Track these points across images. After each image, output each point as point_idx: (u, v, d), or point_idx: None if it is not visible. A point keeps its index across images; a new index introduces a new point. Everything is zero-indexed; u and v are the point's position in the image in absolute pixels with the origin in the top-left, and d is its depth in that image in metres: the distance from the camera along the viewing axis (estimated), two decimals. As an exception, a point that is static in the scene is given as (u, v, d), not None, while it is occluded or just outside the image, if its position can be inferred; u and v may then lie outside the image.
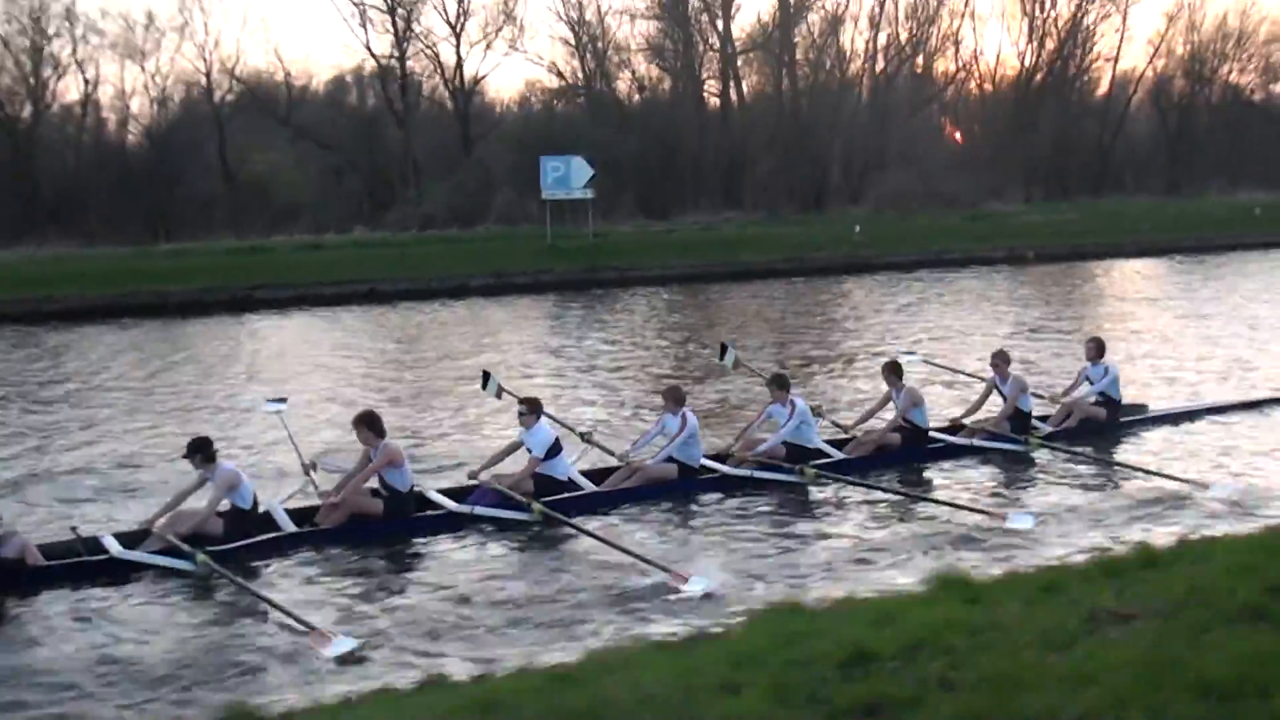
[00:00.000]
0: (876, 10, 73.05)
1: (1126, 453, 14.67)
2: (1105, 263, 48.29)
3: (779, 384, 14.20)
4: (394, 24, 66.01)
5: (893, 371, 14.83)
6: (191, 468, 11.64)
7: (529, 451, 12.72)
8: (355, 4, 65.53)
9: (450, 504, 12.26)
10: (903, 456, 14.34)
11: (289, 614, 9.39)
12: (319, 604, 10.12)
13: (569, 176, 47.71)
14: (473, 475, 12.79)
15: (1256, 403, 17.21)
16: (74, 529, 11.33)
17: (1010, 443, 14.63)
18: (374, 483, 12.21)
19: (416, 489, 12.38)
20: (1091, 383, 15.92)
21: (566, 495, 12.54)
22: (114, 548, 11.01)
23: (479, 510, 12.13)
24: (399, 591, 10.52)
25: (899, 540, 11.41)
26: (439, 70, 68.43)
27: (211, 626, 9.76)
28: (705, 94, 67.76)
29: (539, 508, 11.98)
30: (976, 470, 14.22)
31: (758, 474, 13.44)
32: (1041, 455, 14.45)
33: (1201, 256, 49.39)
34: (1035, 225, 56.87)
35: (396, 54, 66.43)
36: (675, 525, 12.35)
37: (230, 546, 11.11)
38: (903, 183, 62.49)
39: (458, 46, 67.74)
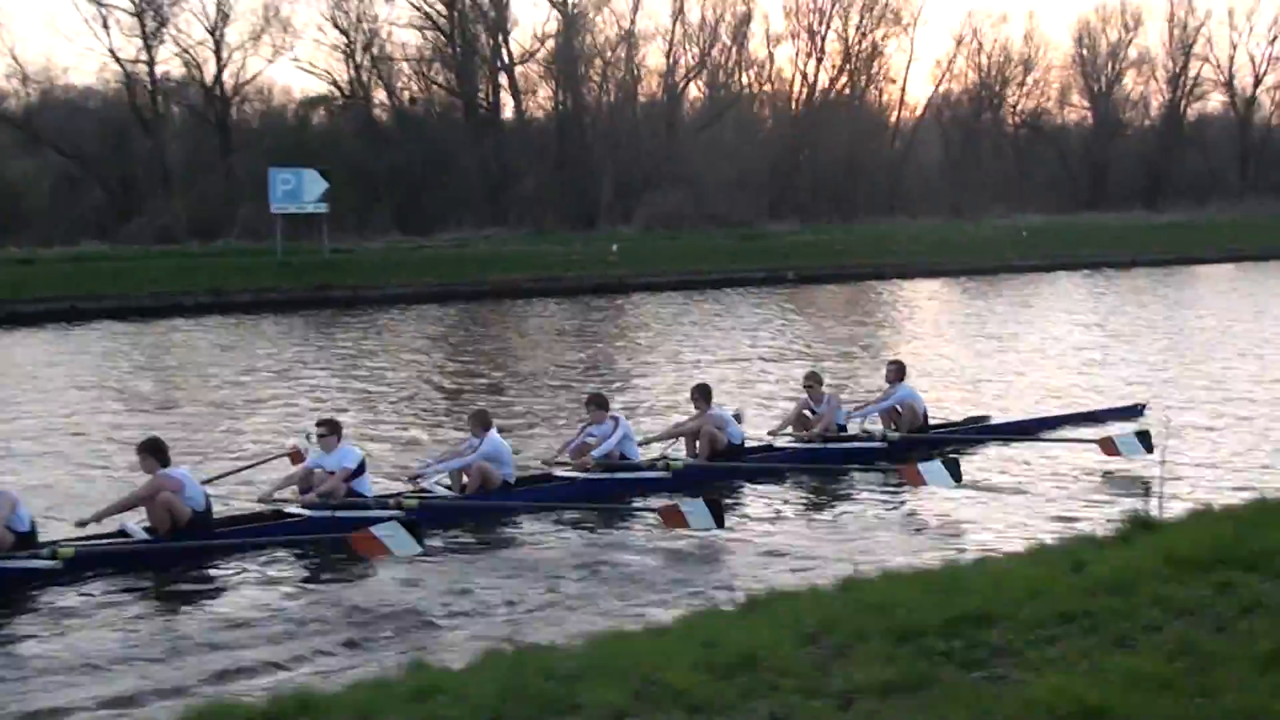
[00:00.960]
0: (668, 28, 72.49)
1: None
2: (863, 284, 47.85)
3: (598, 404, 14.68)
4: (142, 27, 62.61)
5: (702, 396, 15.39)
6: None
7: (330, 472, 12.86)
8: (98, 5, 61.76)
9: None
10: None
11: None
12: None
13: (300, 190, 45.42)
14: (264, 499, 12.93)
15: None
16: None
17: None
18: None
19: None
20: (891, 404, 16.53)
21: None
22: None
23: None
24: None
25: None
26: (199, 76, 65.19)
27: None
28: (479, 107, 65.67)
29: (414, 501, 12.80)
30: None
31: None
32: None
33: (965, 279, 49.47)
34: (803, 245, 56.31)
35: (145, 59, 63.09)
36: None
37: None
38: (675, 202, 61.49)
39: (217, 51, 64.77)
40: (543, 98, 69.67)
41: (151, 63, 63.19)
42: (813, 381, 16.17)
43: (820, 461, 15.24)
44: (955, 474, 13.59)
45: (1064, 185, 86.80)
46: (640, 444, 14.97)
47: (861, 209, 75.73)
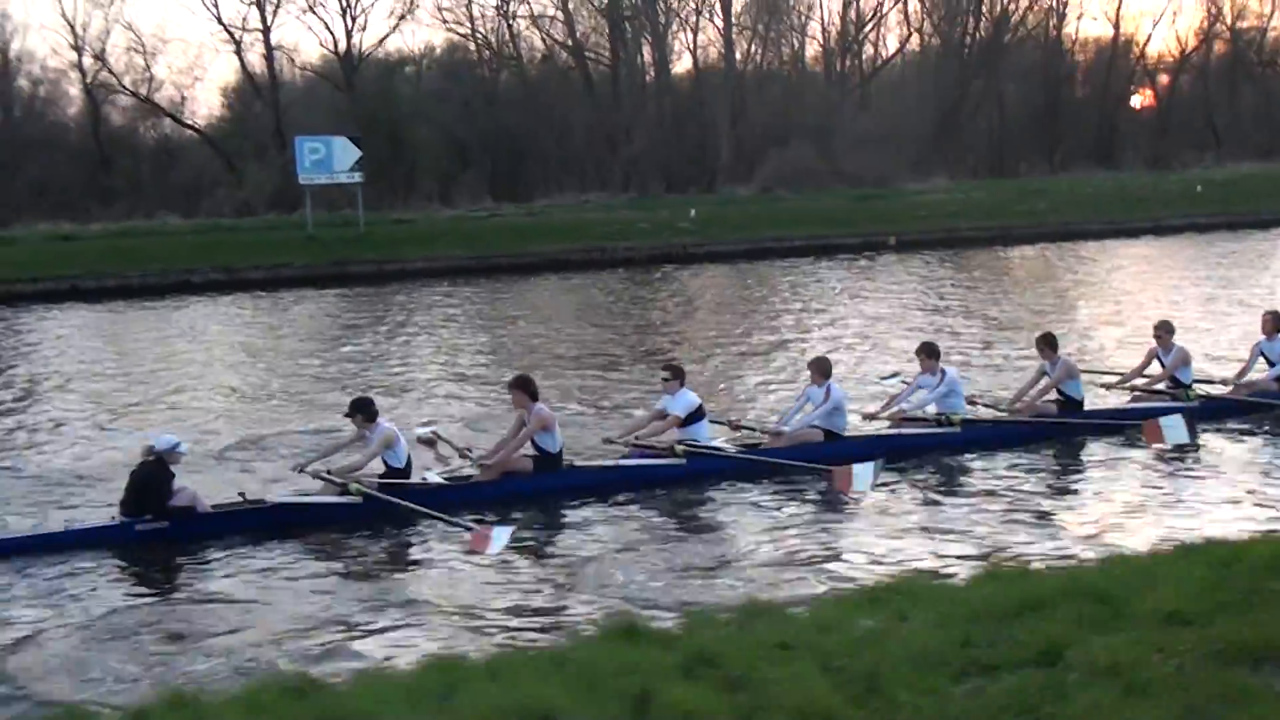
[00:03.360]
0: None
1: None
2: (968, 252, 42.81)
3: (928, 353, 14.73)
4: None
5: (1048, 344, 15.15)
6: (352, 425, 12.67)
7: (669, 413, 13.46)
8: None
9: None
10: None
11: (450, 521, 11.20)
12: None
13: (330, 159, 43.41)
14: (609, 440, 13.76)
15: None
16: (241, 494, 12.11)
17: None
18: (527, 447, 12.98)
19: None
20: (1270, 361, 15.80)
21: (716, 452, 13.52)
22: (273, 497, 12.21)
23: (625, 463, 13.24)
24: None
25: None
26: (333, 41, 64.29)
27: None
28: (590, 65, 62.53)
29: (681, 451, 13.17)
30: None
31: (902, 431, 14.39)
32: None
33: (1088, 242, 44.09)
34: (933, 204, 51.13)
35: (260, 25, 62.61)
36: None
37: (384, 482, 12.22)
38: (802, 160, 57.04)
39: (345, 14, 63.64)
40: (667, 55, 65.38)
41: (267, 28, 62.72)
42: (1163, 330, 15.69)
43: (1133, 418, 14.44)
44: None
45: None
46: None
47: (1055, 161, 69.61)
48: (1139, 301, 28.44)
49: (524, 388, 12.96)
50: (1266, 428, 14.75)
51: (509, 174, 56.57)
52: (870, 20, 73.35)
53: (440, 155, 54.02)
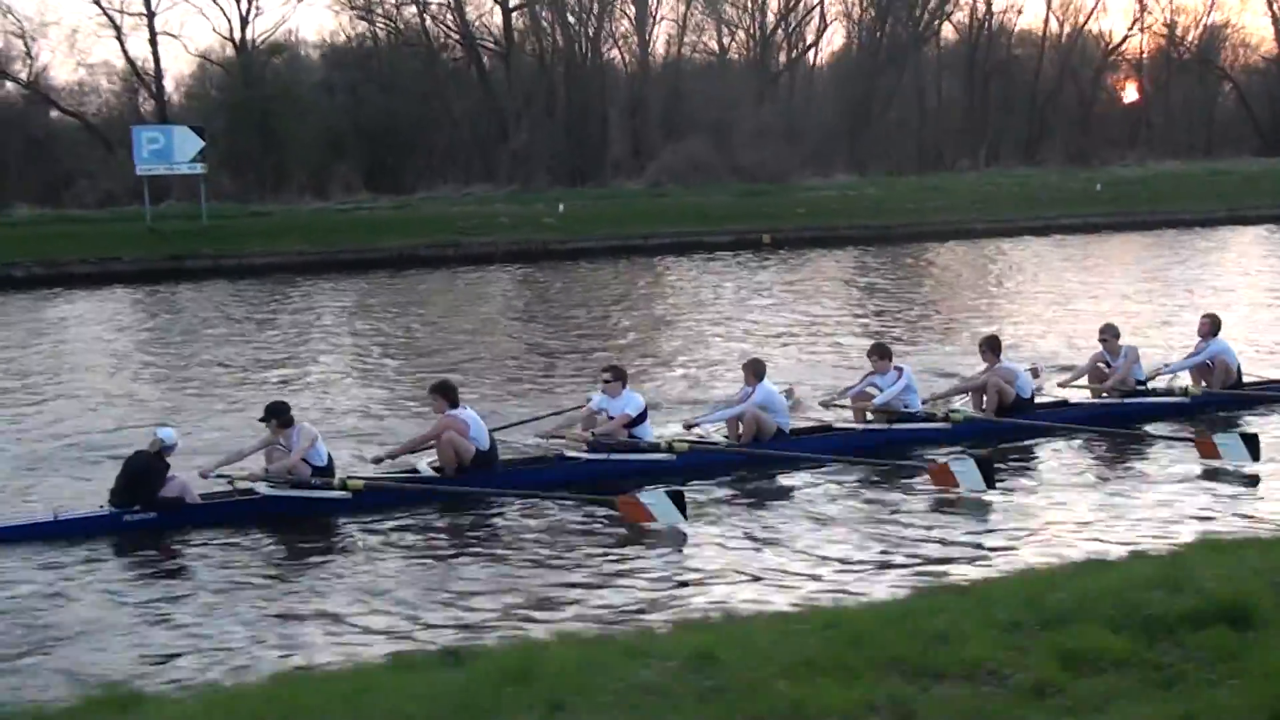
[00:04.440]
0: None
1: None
2: (860, 248, 41.67)
3: (880, 353, 14.77)
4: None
5: (990, 348, 15.10)
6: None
7: (610, 414, 13.55)
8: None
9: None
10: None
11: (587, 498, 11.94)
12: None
13: (170, 149, 41.82)
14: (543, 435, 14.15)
15: None
16: (230, 482, 12.21)
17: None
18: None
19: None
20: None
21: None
22: (263, 488, 12.22)
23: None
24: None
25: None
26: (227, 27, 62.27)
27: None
28: (481, 50, 60.82)
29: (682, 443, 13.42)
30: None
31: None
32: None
33: (964, 242, 43.09)
34: (819, 201, 49.79)
35: (145, 9, 60.53)
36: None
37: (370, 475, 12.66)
38: (698, 154, 55.57)
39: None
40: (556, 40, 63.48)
41: (151, 15, 60.73)
42: (1108, 334, 15.76)
43: (1115, 419, 14.79)
44: (1254, 451, 12.76)
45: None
46: (925, 401, 14.96)
47: (981, 157, 68.50)
48: (964, 304, 27.34)
49: (444, 394, 13.07)
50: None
51: (389, 166, 54.90)
52: (788, 14, 71.84)
53: (312, 146, 52.24)
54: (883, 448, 13.83)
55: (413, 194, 52.55)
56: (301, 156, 52.46)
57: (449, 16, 60.40)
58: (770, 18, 71.19)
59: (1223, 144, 78.86)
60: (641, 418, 13.47)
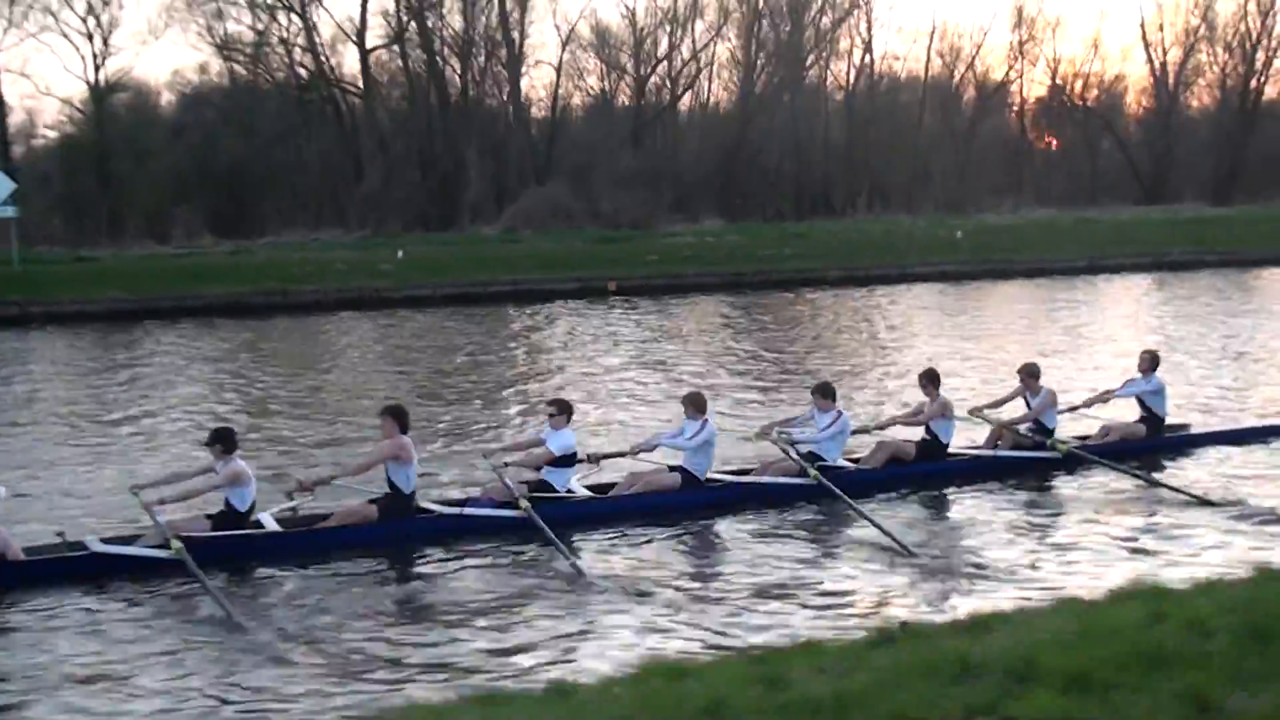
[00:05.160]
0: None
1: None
2: (710, 296, 40.70)
3: (823, 393, 14.60)
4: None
5: (930, 381, 15.08)
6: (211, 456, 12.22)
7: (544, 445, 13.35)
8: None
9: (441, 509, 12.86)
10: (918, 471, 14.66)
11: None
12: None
13: (-17, 192, 40.18)
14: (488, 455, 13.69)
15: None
16: (60, 533, 11.64)
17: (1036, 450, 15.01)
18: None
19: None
20: (1141, 400, 16.04)
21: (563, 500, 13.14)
22: (94, 544, 11.53)
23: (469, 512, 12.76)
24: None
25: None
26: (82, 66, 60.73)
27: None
28: (341, 93, 59.64)
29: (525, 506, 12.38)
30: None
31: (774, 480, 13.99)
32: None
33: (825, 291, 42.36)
34: (672, 248, 48.96)
35: None
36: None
37: (209, 535, 11.69)
38: (558, 199, 54.66)
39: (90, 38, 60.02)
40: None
41: None
42: (1027, 374, 15.64)
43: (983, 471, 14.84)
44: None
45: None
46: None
47: (859, 205, 68.37)
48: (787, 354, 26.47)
49: (396, 417, 12.67)
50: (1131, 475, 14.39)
51: (236, 210, 53.43)
52: (667, 58, 71.38)
53: (153, 189, 50.71)
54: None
55: (259, 239, 51.20)
56: (141, 200, 50.85)
57: (307, 57, 59.23)
58: (653, 62, 71.06)
59: (1107, 193, 79.51)
60: (567, 460, 13.25)
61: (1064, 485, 14.37)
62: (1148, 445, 15.67)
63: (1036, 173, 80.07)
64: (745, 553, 11.98)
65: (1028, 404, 15.46)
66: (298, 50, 58.96)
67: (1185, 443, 16.10)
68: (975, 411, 15.67)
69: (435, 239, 51.06)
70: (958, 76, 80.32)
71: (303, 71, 59.91)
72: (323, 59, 58.71)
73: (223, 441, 12.10)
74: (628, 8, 77.49)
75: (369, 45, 58.31)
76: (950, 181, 74.14)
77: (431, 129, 59.27)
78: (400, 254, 44.36)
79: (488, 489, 13.06)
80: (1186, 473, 14.66)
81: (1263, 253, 51.46)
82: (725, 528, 12.89)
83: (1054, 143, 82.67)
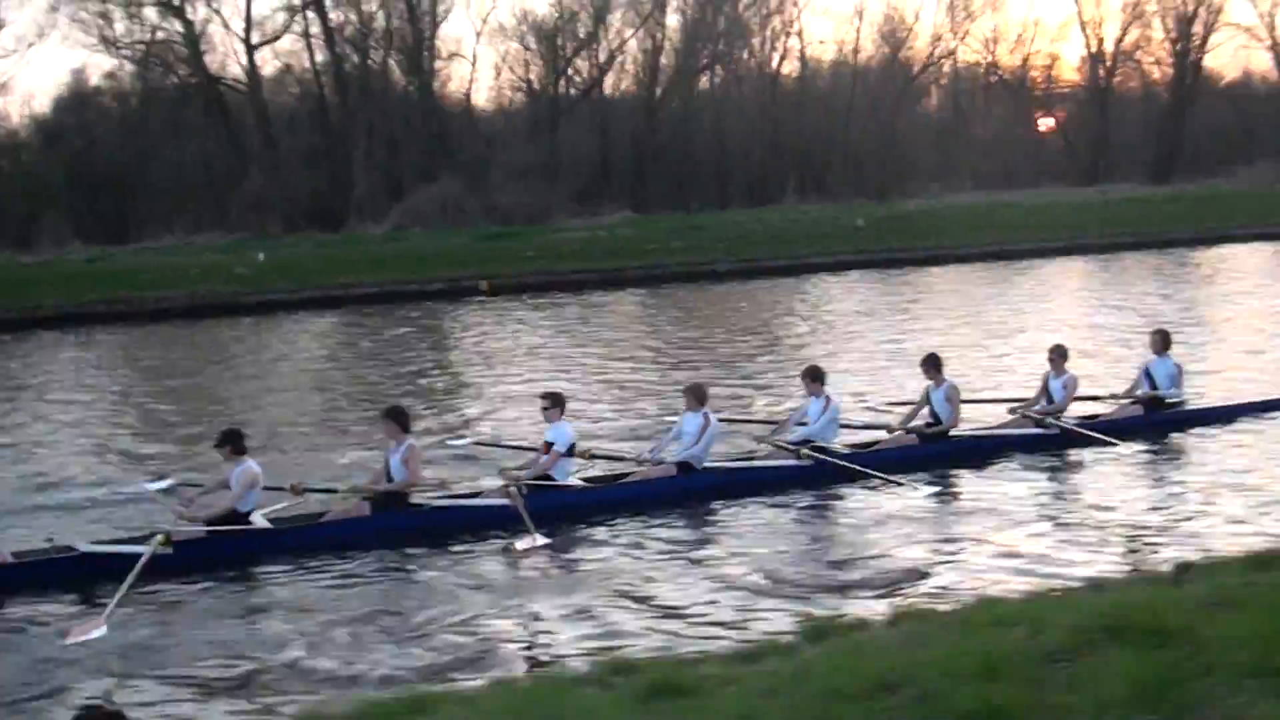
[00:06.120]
0: None
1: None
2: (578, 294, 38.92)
3: (813, 376, 14.75)
4: None
5: (934, 365, 15.37)
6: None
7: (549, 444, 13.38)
8: None
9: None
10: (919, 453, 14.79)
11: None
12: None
13: None
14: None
15: None
16: (49, 539, 11.71)
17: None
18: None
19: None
20: (1152, 378, 16.35)
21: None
22: (82, 545, 11.55)
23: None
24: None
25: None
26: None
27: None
28: (228, 91, 57.66)
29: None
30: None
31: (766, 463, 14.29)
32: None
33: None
34: (553, 245, 47.23)
35: None
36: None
37: (199, 530, 11.79)
38: (449, 195, 52.82)
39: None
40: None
41: None
42: (1056, 355, 15.97)
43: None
44: None
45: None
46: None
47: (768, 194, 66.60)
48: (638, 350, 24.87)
49: (396, 419, 12.89)
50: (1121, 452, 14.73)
51: (114, 215, 51.47)
52: (579, 51, 69.52)
53: (13, 196, 48.78)
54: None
55: (134, 243, 49.30)
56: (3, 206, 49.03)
57: (191, 55, 57.17)
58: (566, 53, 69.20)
59: (1046, 175, 78.03)
60: (569, 452, 13.40)
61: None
62: (1142, 422, 15.92)
63: (973, 156, 78.26)
64: (738, 539, 12.09)
65: (1045, 386, 15.87)
66: (183, 48, 56.90)
67: (1184, 419, 16.24)
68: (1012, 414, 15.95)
69: (316, 239, 49.20)
70: (888, 59, 78.67)
71: (185, 70, 57.87)
72: (210, 56, 56.90)
73: (232, 442, 12.12)
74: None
75: (255, 41, 56.38)
76: (880, 167, 72.39)
77: (325, 125, 57.39)
78: (261, 257, 42.54)
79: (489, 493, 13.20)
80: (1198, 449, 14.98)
81: (1185, 233, 50.25)
82: (723, 513, 13.00)
83: (988, 125, 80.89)
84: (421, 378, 24.18)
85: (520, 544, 11.56)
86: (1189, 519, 11.97)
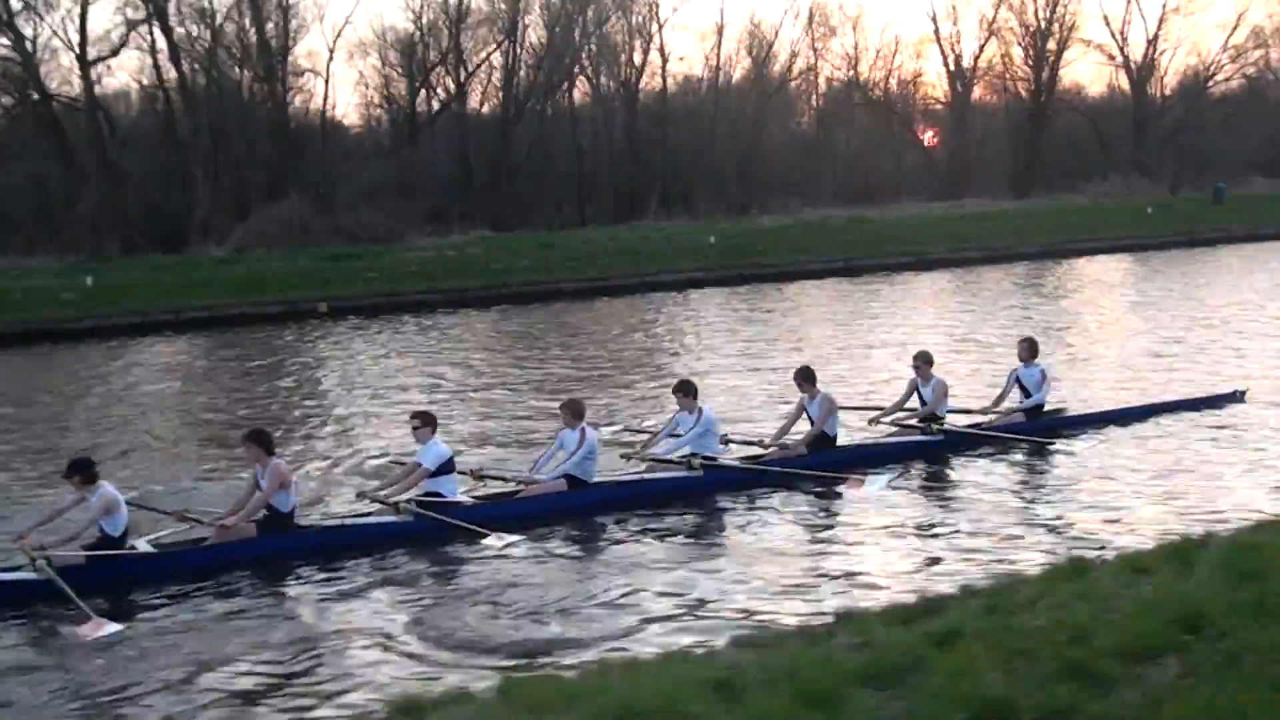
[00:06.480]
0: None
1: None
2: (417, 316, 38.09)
3: (685, 391, 15.05)
4: None
5: (806, 379, 15.56)
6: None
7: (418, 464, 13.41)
8: None
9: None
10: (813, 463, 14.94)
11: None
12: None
13: None
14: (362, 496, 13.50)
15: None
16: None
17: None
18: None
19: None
20: (1023, 385, 16.79)
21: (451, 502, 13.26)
22: None
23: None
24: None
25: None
26: None
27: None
28: (62, 109, 55.97)
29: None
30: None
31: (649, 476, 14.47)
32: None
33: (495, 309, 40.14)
34: (397, 265, 46.42)
35: None
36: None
37: (81, 553, 11.67)
38: (295, 215, 51.71)
39: None
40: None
41: None
42: (921, 361, 16.33)
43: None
44: None
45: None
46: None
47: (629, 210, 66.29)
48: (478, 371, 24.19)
49: (260, 441, 12.81)
50: (1015, 457, 15.47)
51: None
52: (436, 66, 68.58)
53: None
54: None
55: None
56: None
57: (21, 72, 55.30)
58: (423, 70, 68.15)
59: (910, 190, 78.75)
60: (444, 469, 13.36)
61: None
62: (1026, 428, 16.30)
63: (837, 172, 78.65)
64: (629, 551, 12.30)
65: (918, 392, 16.28)
66: (15, 65, 55.03)
67: (1063, 424, 16.83)
68: (872, 422, 16.41)
69: (154, 261, 47.77)
70: (751, 75, 78.87)
71: (16, 88, 56.06)
72: (47, 72, 55.13)
73: (81, 471, 12.02)
74: (412, 11, 74.54)
75: (91, 57, 54.73)
76: (742, 183, 72.44)
77: (169, 144, 55.90)
78: (89, 281, 41.11)
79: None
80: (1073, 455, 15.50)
81: (1034, 247, 51.10)
82: (614, 528, 13.20)
83: (852, 142, 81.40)
84: (264, 400, 23.54)
85: (494, 541, 12.14)
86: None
